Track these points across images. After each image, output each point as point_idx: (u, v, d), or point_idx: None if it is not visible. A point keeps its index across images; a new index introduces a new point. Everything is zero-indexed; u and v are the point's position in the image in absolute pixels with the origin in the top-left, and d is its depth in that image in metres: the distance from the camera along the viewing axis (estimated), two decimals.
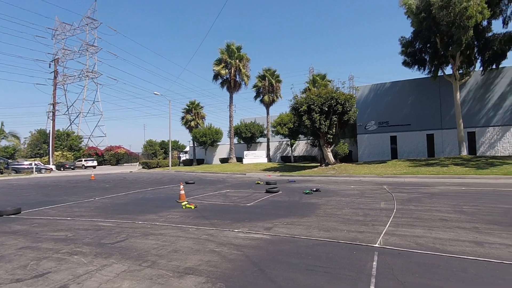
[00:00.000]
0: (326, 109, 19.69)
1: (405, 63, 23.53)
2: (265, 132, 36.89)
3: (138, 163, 44.52)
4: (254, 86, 36.26)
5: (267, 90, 34.80)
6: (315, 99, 19.97)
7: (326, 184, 14.65)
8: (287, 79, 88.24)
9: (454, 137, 22.24)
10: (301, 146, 37.58)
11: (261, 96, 35.89)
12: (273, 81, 34.89)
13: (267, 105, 35.60)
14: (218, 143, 41.90)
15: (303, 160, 35.34)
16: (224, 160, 38.02)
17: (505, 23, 19.67)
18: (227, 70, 33.73)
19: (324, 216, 7.26)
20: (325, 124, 19.84)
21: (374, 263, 4.15)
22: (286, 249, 4.87)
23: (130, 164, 50.64)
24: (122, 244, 5.28)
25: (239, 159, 35.46)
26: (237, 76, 34.11)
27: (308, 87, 29.23)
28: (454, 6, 16.84)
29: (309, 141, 32.91)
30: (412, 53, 22.84)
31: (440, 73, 22.21)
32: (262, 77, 35.68)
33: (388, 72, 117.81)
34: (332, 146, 22.58)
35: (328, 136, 20.79)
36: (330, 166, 21.70)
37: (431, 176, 15.70)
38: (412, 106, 24.87)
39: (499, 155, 21.07)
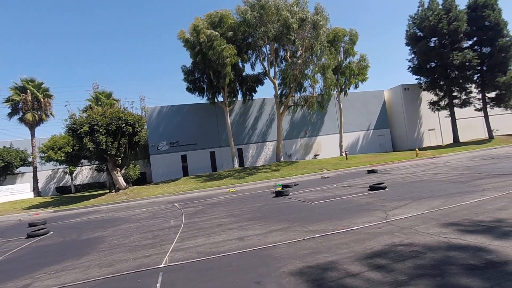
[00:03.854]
0: (114, 129, 18.04)
1: (188, 89, 26.46)
2: (30, 159, 28.01)
3: None
4: (8, 101, 26.93)
5: (30, 106, 26.79)
6: (99, 119, 17.74)
7: (116, 212, 13.18)
8: (62, 94, 72.74)
9: (229, 153, 27.50)
10: (84, 173, 31.77)
11: (21, 114, 27.17)
12: (39, 96, 27.51)
13: (32, 125, 27.37)
14: None
15: (88, 189, 30.01)
16: None
17: (252, 67, 27.26)
18: None
19: (108, 250, 6.37)
20: (112, 146, 18.04)
21: (158, 284, 4.10)
22: None
23: None
24: None
25: None
26: None
27: (90, 105, 25.50)
28: (216, 47, 21.22)
29: (94, 166, 28.58)
30: (193, 81, 26.14)
31: (216, 99, 26.89)
32: (21, 89, 27.20)
33: (180, 93, 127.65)
34: (123, 169, 20.90)
35: (117, 159, 19.07)
36: (121, 191, 19.87)
37: (214, 188, 18.34)
38: (197, 127, 28.22)
39: (259, 165, 28.33)
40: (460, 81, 28.03)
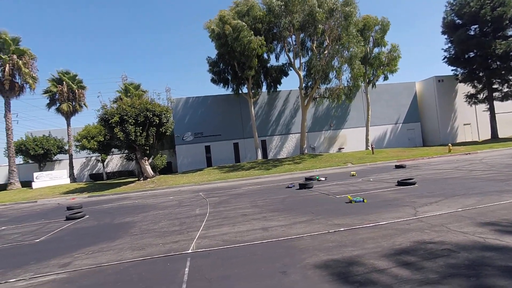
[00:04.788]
0: (142, 120, 18.78)
1: (212, 81, 26.78)
2: (66, 147, 29.97)
3: None
4: (46, 92, 28.75)
5: (66, 97, 28.45)
6: (128, 109, 18.52)
7: (145, 199, 13.84)
8: (94, 86, 76.48)
9: (253, 145, 27.65)
10: (115, 161, 33.53)
11: (58, 104, 28.93)
12: (74, 87, 29.11)
13: (67, 115, 29.15)
14: None
15: (118, 176, 31.66)
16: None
17: (276, 58, 26.99)
18: None
19: (139, 234, 6.73)
20: (141, 136, 18.81)
21: (186, 269, 4.26)
22: (88, 284, 4.07)
23: None
24: None
25: (27, 184, 26.62)
26: (17, 77, 25.66)
27: (120, 96, 26.60)
28: (242, 39, 21.14)
29: (124, 154, 29.98)
30: (218, 72, 26.39)
31: (240, 91, 27.01)
32: (58, 81, 28.89)
33: (203, 84, 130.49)
34: (150, 159, 21.78)
35: (145, 148, 19.87)
36: (149, 179, 20.77)
37: (237, 179, 18.61)
38: (221, 118, 28.60)
39: (282, 157, 28.26)
40: (503, 72, 25.90)
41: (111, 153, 31.20)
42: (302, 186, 11.35)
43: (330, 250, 4.42)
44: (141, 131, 18.86)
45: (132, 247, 5.69)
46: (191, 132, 27.96)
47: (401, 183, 9.79)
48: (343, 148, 29.81)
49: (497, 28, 25.29)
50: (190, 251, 5.08)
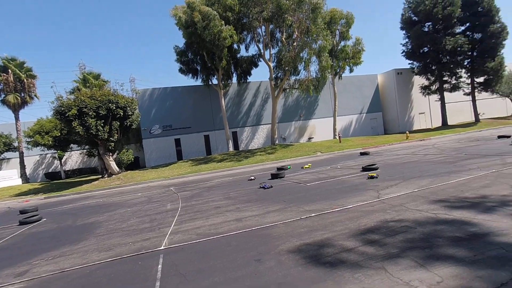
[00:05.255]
0: (104, 113, 17.66)
1: (181, 71, 25.89)
2: (16, 144, 27.30)
3: None
4: None
5: (12, 87, 25.67)
6: (88, 101, 17.29)
7: (110, 197, 13.19)
8: (47, 75, 69.80)
9: (224, 136, 27.40)
10: (74, 158, 31.28)
11: (2, 96, 26.12)
12: (22, 76, 26.34)
13: (15, 107, 26.39)
14: None
15: (79, 174, 29.65)
16: None
17: (246, 48, 26.74)
18: None
19: (106, 234, 6.43)
20: (103, 130, 17.73)
21: (160, 266, 4.18)
22: None
23: None
24: None
25: None
26: None
27: (77, 87, 24.67)
28: (212, 28, 20.59)
29: (85, 150, 28.14)
30: (186, 62, 25.50)
31: (210, 82, 26.42)
32: (1, 69, 25.99)
33: (171, 75, 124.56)
34: (115, 154, 20.67)
35: (109, 143, 18.81)
36: (114, 176, 19.77)
37: (209, 171, 18.41)
38: (191, 110, 27.85)
39: (253, 148, 28.34)
40: (451, 66, 28.19)
41: (70, 149, 29.01)
42: (274, 176, 11.56)
43: (302, 235, 4.59)
44: (103, 125, 17.78)
45: (98, 249, 5.43)
46: (159, 125, 26.95)
47: (365, 168, 10.39)
48: (312, 137, 30.72)
49: (447, 25, 27.41)
50: (162, 247, 4.98)
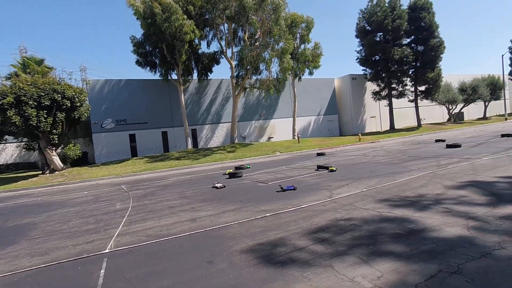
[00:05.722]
0: (48, 103, 15.92)
1: (138, 63, 24.42)
2: None
3: None
4: None
5: None
6: (28, 89, 15.43)
7: (51, 196, 11.94)
8: None
9: (182, 134, 26.53)
10: (9, 151, 27.72)
11: None
12: None
13: None
14: None
15: (15, 169, 26.40)
16: None
17: (208, 44, 26.23)
18: None
19: (41, 237, 5.78)
20: (46, 121, 15.98)
21: (102, 271, 3.87)
22: None
23: None
24: None
25: None
26: None
27: (16, 72, 21.89)
28: (173, 22, 19.76)
29: (23, 143, 25.11)
30: (144, 54, 24.12)
31: (169, 76, 25.35)
32: None
33: (127, 66, 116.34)
34: (59, 149, 18.80)
35: (52, 136, 17.02)
36: (57, 172, 17.95)
37: (166, 169, 17.67)
38: (148, 105, 26.44)
39: (213, 146, 27.91)
40: (398, 74, 30.88)
41: (3, 141, 25.61)
42: (232, 175, 11.47)
43: (256, 235, 4.59)
44: (46, 116, 16.03)
45: (31, 253, 4.86)
46: (112, 119, 25.12)
47: (320, 167, 10.94)
48: (272, 137, 31.24)
49: (396, 37, 30.00)
50: (107, 250, 4.62)
